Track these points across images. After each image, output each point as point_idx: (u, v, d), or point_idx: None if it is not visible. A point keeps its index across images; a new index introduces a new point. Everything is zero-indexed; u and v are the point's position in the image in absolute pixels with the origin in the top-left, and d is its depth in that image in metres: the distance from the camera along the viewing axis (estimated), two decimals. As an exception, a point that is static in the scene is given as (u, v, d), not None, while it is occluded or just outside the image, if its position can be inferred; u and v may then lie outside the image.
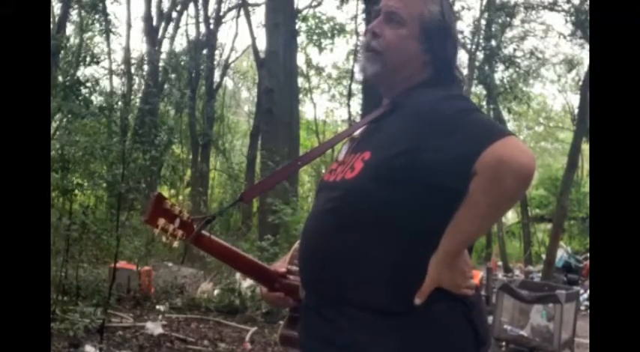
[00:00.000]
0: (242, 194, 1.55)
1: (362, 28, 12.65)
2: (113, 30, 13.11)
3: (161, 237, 1.42)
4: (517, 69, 14.82)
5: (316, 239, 1.37)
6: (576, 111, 13.45)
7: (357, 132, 1.49)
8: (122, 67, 14.42)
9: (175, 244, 1.44)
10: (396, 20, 1.41)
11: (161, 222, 1.40)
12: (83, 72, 10.12)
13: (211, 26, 15.21)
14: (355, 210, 1.30)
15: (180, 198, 13.46)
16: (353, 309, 1.28)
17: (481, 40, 13.84)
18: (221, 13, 15.92)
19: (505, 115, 15.86)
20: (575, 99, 18.42)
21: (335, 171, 1.42)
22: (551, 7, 13.13)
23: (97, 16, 11.86)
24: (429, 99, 1.34)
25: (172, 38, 16.31)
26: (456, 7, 13.17)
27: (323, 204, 1.39)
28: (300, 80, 15.51)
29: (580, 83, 14.41)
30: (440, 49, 1.41)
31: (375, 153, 1.33)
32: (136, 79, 14.36)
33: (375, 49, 1.43)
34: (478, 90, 15.21)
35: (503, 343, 5.46)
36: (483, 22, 13.95)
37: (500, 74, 14.85)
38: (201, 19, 15.54)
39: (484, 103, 14.84)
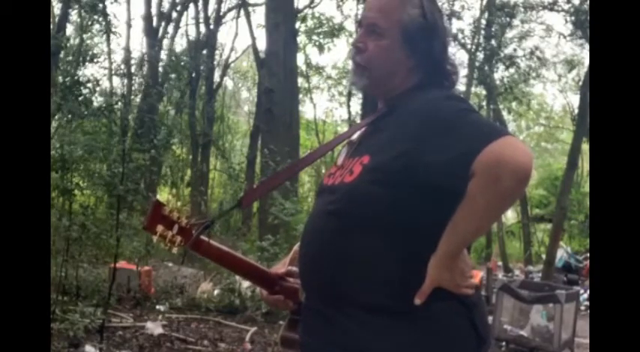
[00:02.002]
0: (240, 199, 1.56)
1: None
2: (113, 30, 13.09)
3: (160, 243, 1.43)
4: (517, 69, 14.80)
5: (316, 241, 1.37)
6: (576, 111, 13.45)
7: (355, 136, 1.50)
8: (122, 67, 14.42)
9: (174, 250, 1.45)
10: (377, 32, 1.41)
11: (159, 228, 1.42)
12: (83, 72, 10.11)
13: (211, 26, 15.20)
14: (354, 211, 1.31)
15: (181, 198, 13.46)
16: (353, 309, 1.28)
17: (481, 40, 13.83)
18: (221, 14, 15.92)
19: (505, 115, 15.86)
20: (575, 99, 18.41)
21: (334, 175, 1.43)
22: (551, 7, 13.13)
23: (96, 17, 11.85)
24: (426, 101, 1.34)
25: (172, 38, 16.31)
26: (456, 7, 13.19)
27: (322, 206, 1.40)
28: (300, 80, 15.51)
29: (580, 83, 14.41)
30: (425, 52, 1.41)
31: (373, 156, 1.34)
32: (136, 79, 14.35)
33: (360, 63, 1.44)
34: (478, 90, 15.21)
35: (504, 343, 5.47)
36: (483, 22, 13.95)
37: (500, 74, 14.85)
38: (201, 19, 15.54)
39: (484, 103, 14.84)
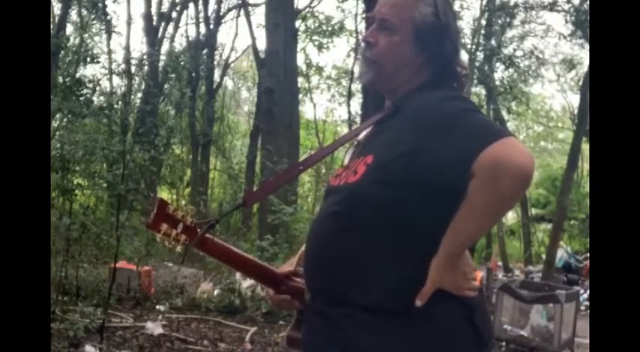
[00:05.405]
0: (244, 198, 1.56)
1: (362, 27, 12.67)
2: (113, 30, 13.09)
3: (164, 241, 1.43)
4: (517, 69, 14.81)
5: (319, 241, 1.38)
6: (576, 111, 13.45)
7: (362, 136, 1.50)
8: (122, 66, 14.41)
9: (178, 248, 1.45)
10: (389, 27, 1.42)
11: (164, 227, 1.42)
12: (83, 72, 10.11)
13: (211, 26, 15.20)
14: (357, 212, 1.31)
15: (181, 198, 13.45)
16: (355, 310, 1.28)
17: (481, 40, 13.84)
18: (221, 13, 15.92)
19: (505, 115, 15.87)
20: (575, 99, 18.42)
21: (340, 176, 1.43)
22: (551, 7, 13.13)
23: (97, 14, 11.85)
24: (429, 101, 1.34)
25: (172, 38, 16.31)
26: (456, 7, 13.19)
27: (327, 207, 1.40)
28: (300, 80, 15.50)
29: (580, 83, 14.41)
30: (436, 50, 1.41)
31: (377, 156, 1.34)
32: (136, 79, 14.35)
33: (369, 58, 1.44)
34: (478, 90, 15.21)
35: (504, 343, 5.46)
36: (483, 22, 13.95)
37: (500, 74, 14.87)
38: (201, 19, 15.54)
39: (484, 103, 14.85)
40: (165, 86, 14.65)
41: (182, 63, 14.32)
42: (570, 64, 17.01)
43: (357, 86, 14.53)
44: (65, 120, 7.65)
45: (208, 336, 5.19)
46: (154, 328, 5.06)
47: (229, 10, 16.56)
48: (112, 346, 4.54)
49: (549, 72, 19.05)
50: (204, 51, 14.80)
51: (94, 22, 13.27)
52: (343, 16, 16.33)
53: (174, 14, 15.91)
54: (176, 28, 16.33)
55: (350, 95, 15.82)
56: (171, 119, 13.43)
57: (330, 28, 16.19)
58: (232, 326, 5.63)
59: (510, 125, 18.99)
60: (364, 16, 10.95)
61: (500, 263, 14.17)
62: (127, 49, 15.33)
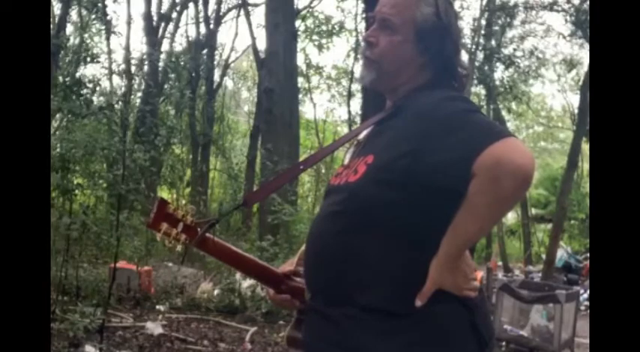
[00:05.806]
0: (245, 198, 1.57)
1: (362, 27, 12.67)
2: (113, 30, 13.09)
3: (164, 241, 1.43)
4: (517, 69, 14.82)
5: (319, 241, 1.38)
6: (576, 111, 13.46)
7: (362, 136, 1.50)
8: (122, 66, 14.40)
9: (178, 248, 1.45)
10: (389, 27, 1.42)
11: (164, 226, 1.42)
12: (83, 72, 10.11)
13: (211, 26, 15.20)
14: (357, 212, 1.31)
15: (181, 198, 13.46)
16: (354, 310, 1.28)
17: (481, 40, 13.84)
18: (221, 13, 15.91)
19: (505, 115, 15.87)
20: (575, 99, 18.43)
21: (340, 175, 1.43)
22: (551, 7, 13.13)
23: (97, 14, 11.85)
24: (430, 101, 1.34)
25: (172, 38, 16.32)
26: (456, 7, 13.19)
27: (327, 207, 1.41)
28: (300, 80, 15.49)
29: (580, 83, 14.41)
30: (437, 50, 1.41)
31: (377, 156, 1.34)
32: (136, 79, 14.34)
33: (370, 58, 1.44)
34: (478, 90, 15.22)
35: (504, 343, 5.46)
36: (483, 22, 13.95)
37: (500, 74, 14.87)
38: (201, 19, 15.54)
39: (484, 103, 14.85)
40: (165, 86, 14.64)
41: (182, 63, 14.30)
42: (570, 64, 17.03)
43: (357, 86, 14.53)
44: (65, 120, 7.65)
45: (208, 336, 5.19)
46: (154, 328, 5.07)
47: (229, 10, 16.57)
48: (112, 346, 4.55)
49: (549, 72, 19.10)
50: (204, 51, 14.79)
51: (94, 22, 13.27)
52: (343, 16, 16.37)
53: (174, 14, 15.91)
54: (176, 28, 16.34)
55: (350, 95, 15.82)
56: (171, 119, 13.41)
57: (330, 28, 16.20)
58: (232, 326, 5.63)
59: (510, 125, 19.00)
60: (364, 15, 10.95)
61: (500, 263, 14.17)
62: (127, 49, 15.32)
